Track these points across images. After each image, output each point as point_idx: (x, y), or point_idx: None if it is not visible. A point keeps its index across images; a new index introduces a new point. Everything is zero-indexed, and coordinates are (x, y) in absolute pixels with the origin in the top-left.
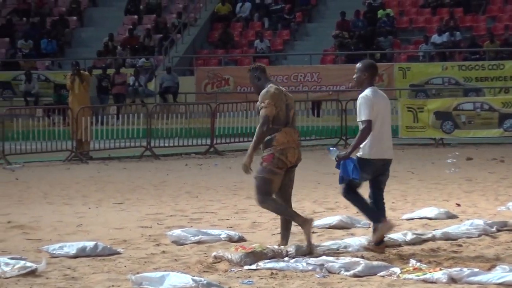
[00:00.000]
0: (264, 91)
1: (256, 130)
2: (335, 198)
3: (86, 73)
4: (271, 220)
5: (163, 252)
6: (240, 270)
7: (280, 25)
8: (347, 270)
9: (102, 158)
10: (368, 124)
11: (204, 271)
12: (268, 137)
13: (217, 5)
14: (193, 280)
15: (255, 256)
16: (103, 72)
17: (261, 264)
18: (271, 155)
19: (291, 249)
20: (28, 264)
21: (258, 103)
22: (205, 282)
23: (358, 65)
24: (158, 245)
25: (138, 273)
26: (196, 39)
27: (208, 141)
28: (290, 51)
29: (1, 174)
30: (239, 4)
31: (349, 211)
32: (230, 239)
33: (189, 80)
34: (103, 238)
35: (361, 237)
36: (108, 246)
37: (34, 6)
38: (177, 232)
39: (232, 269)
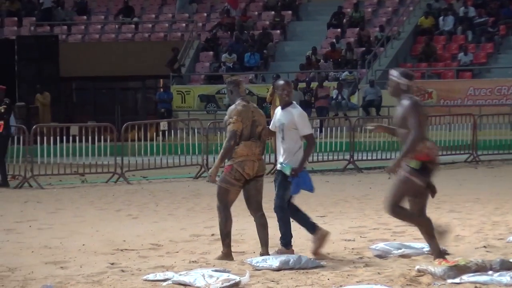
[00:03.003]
0: (232, 107)
1: (224, 143)
2: None
3: None
4: (475, 234)
5: (366, 265)
6: (444, 284)
7: (484, 38)
8: None
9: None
10: None
11: (407, 284)
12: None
13: (420, 18)
14: None
15: (458, 269)
16: (307, 86)
17: (465, 277)
18: (230, 166)
19: (495, 262)
20: (232, 276)
21: (226, 117)
22: None
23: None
24: (361, 258)
25: (341, 286)
26: (399, 52)
27: None
28: (493, 64)
29: (205, 187)
30: (442, 18)
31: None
32: None
33: None
34: (306, 251)
35: None
36: (312, 259)
37: (238, 20)
38: (380, 245)
39: (436, 282)
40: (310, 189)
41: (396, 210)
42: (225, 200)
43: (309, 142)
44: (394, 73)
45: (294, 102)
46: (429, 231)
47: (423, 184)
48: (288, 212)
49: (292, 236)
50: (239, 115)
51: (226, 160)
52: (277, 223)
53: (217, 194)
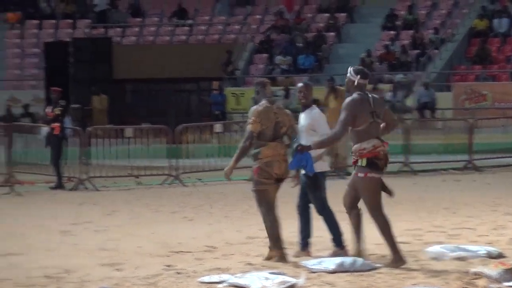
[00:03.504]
0: (254, 107)
1: (240, 144)
2: None
3: (342, 88)
4: None
5: (422, 268)
6: (499, 287)
7: None
8: None
9: None
10: None
11: (463, 287)
12: (256, 151)
13: (475, 20)
14: None
15: None
16: None
17: None
18: (258, 168)
19: None
20: (287, 278)
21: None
22: None
23: None
24: (416, 260)
25: None
26: (453, 55)
27: (466, 157)
28: None
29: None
30: (497, 20)
31: None
32: (489, 255)
33: (447, 95)
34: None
35: None
36: (367, 262)
37: (292, 22)
38: (435, 248)
39: (491, 285)
40: (310, 170)
41: (376, 214)
42: (265, 202)
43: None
44: (349, 70)
45: (314, 105)
46: (356, 224)
47: (378, 175)
48: (331, 212)
49: (342, 234)
50: (258, 116)
51: (254, 162)
52: (325, 226)
53: (256, 200)
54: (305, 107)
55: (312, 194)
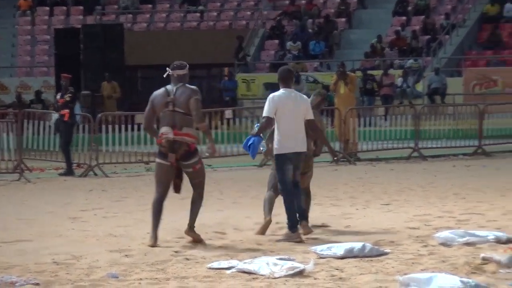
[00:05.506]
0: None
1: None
2: None
3: (352, 74)
4: None
5: (431, 253)
6: (509, 272)
7: None
8: None
9: (369, 159)
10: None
11: (472, 272)
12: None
13: (486, 5)
14: (461, 281)
15: None
16: (364, 74)
17: None
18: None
19: None
20: (296, 264)
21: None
22: (473, 283)
23: None
24: (425, 246)
25: (405, 274)
26: (464, 40)
27: (476, 142)
28: None
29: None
30: (508, 4)
31: None
32: (498, 241)
33: (457, 81)
34: (370, 239)
35: None
36: (376, 247)
37: (303, 8)
38: (444, 233)
39: (501, 270)
40: (251, 154)
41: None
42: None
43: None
44: None
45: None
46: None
47: (163, 162)
48: (288, 194)
49: (296, 219)
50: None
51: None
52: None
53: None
54: None
55: (275, 173)
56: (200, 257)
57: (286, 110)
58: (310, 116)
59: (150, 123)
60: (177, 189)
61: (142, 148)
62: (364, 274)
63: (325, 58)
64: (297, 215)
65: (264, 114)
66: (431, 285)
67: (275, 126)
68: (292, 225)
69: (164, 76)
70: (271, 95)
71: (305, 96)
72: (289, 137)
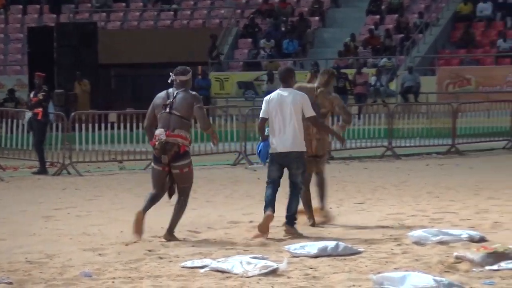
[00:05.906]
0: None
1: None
2: None
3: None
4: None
5: (404, 252)
6: (482, 271)
7: None
8: None
9: (343, 158)
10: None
11: (445, 271)
12: None
13: (459, 4)
14: (434, 280)
15: (497, 256)
16: (337, 72)
17: (503, 264)
18: None
19: None
20: (270, 263)
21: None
22: (446, 282)
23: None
24: (399, 245)
25: (379, 273)
26: (437, 39)
27: (449, 141)
28: None
29: (244, 174)
30: (481, 4)
31: None
32: (472, 239)
33: (431, 80)
34: (344, 238)
35: None
36: (349, 246)
37: (277, 6)
38: (418, 232)
39: (474, 269)
40: (262, 159)
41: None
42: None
43: None
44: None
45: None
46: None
47: (157, 167)
48: (270, 190)
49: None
50: None
51: None
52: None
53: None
54: None
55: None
56: (173, 256)
57: (273, 111)
58: (310, 113)
59: (150, 123)
60: (171, 195)
61: (116, 147)
62: (337, 273)
63: (298, 57)
64: (285, 214)
65: (260, 115)
66: (405, 284)
67: None
68: (264, 207)
69: (169, 81)
70: (266, 96)
71: (302, 93)
72: (274, 137)
